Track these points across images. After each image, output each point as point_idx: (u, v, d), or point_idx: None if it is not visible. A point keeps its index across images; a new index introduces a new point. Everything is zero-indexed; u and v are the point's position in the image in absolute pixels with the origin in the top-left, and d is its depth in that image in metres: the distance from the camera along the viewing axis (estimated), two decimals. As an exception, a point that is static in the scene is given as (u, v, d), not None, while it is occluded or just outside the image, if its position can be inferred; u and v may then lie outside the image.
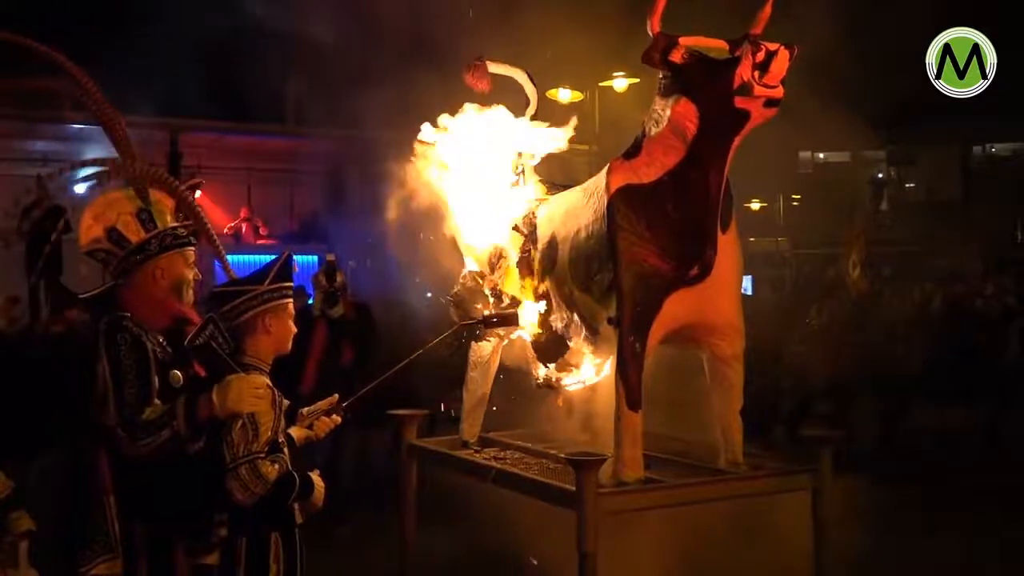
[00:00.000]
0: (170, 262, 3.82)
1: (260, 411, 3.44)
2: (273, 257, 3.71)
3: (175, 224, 3.90)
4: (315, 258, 14.51)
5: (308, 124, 15.65)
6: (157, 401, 3.52)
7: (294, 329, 3.69)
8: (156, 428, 3.42)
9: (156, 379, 3.55)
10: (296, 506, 3.56)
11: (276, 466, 3.45)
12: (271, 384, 3.54)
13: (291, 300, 3.68)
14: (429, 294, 14.16)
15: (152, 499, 3.54)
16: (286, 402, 3.68)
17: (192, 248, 3.93)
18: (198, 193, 4.28)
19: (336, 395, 3.97)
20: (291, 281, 3.67)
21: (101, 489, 3.53)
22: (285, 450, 3.58)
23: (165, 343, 3.71)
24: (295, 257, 3.79)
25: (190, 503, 3.57)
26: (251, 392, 3.44)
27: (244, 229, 17.16)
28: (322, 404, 3.96)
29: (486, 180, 5.45)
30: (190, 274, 3.88)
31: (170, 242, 3.83)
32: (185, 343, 3.54)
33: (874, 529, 6.43)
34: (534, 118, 5.60)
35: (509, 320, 5.20)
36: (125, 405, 3.47)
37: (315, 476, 3.61)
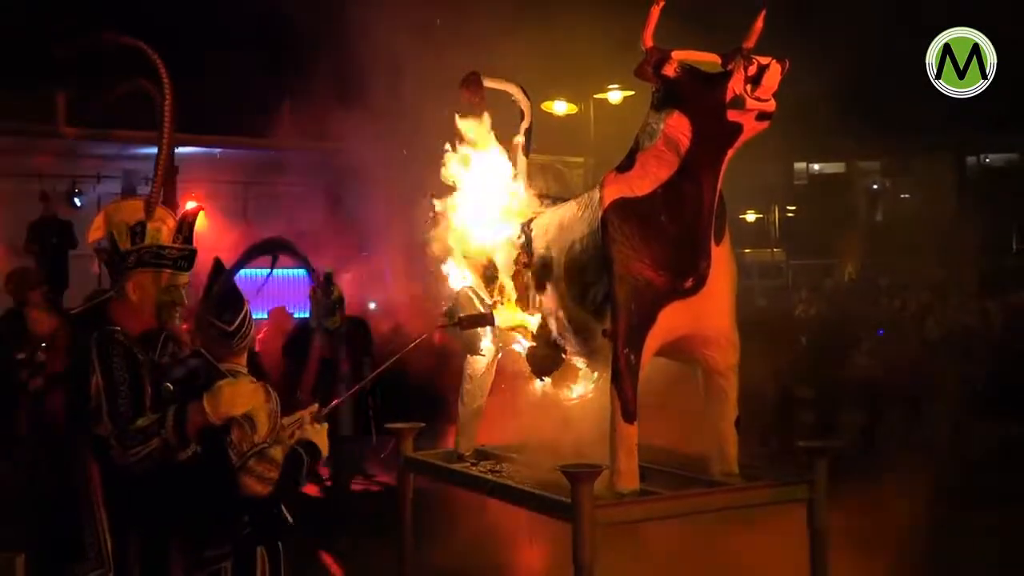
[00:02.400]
0: (142, 280, 3.72)
1: (254, 408, 3.49)
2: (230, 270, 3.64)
3: (164, 244, 3.77)
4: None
5: (304, 138, 15.69)
6: (150, 412, 3.53)
7: None
8: (146, 437, 3.43)
9: (149, 390, 3.56)
10: (286, 513, 3.59)
11: (280, 447, 3.50)
12: (255, 380, 3.58)
13: None
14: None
15: (150, 510, 3.54)
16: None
17: (171, 272, 3.78)
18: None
19: (316, 404, 3.98)
20: None
21: (93, 502, 3.53)
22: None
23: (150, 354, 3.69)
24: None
25: (189, 514, 3.58)
26: (241, 394, 3.47)
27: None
28: (303, 413, 3.96)
29: (483, 195, 5.49)
30: (164, 296, 3.74)
31: (146, 259, 3.73)
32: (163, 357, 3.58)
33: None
34: (528, 131, 5.63)
35: (483, 320, 5.22)
36: (119, 415, 3.47)
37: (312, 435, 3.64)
